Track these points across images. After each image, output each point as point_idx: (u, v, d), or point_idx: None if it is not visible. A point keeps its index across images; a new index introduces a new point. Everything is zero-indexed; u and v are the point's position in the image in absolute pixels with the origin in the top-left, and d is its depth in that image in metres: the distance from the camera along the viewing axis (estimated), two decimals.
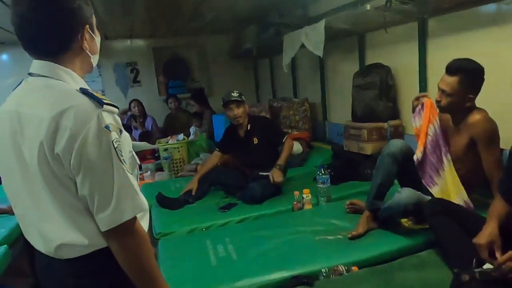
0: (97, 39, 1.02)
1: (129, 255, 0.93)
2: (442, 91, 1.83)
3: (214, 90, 5.62)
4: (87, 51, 0.97)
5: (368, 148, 2.85)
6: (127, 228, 0.91)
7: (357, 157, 2.95)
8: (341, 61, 3.64)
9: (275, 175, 2.65)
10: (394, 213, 1.90)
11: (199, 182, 2.82)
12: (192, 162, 3.77)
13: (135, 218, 0.93)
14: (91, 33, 0.98)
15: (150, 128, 4.76)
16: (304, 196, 2.45)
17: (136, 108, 4.71)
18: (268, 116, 3.83)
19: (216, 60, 5.70)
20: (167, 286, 1.00)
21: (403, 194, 1.84)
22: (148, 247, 0.96)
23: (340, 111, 3.68)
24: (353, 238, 1.91)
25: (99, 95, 0.90)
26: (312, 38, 3.09)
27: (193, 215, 2.47)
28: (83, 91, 0.89)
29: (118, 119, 0.95)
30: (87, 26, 0.96)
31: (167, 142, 3.95)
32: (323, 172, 2.49)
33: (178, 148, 3.84)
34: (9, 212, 2.93)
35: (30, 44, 0.93)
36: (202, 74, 5.81)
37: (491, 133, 1.73)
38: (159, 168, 3.90)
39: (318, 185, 2.50)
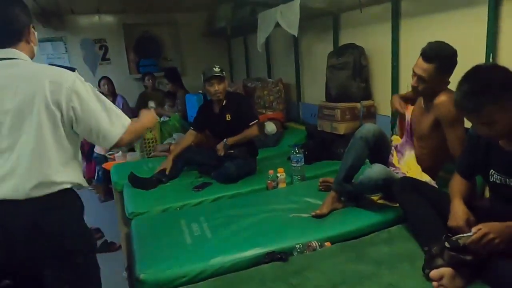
0: (36, 33, 1.38)
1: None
2: (418, 76, 1.84)
3: (187, 70, 5.52)
4: (31, 44, 1.35)
5: (341, 128, 2.90)
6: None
7: (331, 137, 2.99)
8: (315, 41, 3.64)
9: (218, 147, 2.70)
10: (365, 188, 1.95)
11: (173, 162, 2.78)
12: (164, 142, 3.70)
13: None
14: (33, 30, 1.36)
15: (120, 107, 4.62)
16: (279, 175, 2.47)
17: (105, 86, 4.56)
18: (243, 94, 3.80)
19: (189, 39, 5.58)
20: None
21: (374, 169, 1.88)
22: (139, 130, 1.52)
23: (314, 92, 3.70)
24: (316, 217, 1.94)
25: None
26: (287, 17, 3.06)
27: (167, 195, 2.44)
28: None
29: None
30: (31, 26, 1.35)
31: None
32: (297, 151, 2.51)
33: (150, 128, 3.76)
34: None
35: None
36: (175, 52, 5.68)
37: (455, 114, 1.76)
38: (131, 149, 3.79)
39: (292, 164, 2.53)
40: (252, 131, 2.75)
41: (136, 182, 2.59)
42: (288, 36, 3.26)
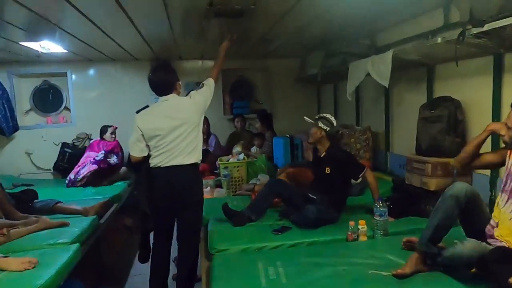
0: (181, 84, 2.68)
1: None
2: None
3: (277, 113, 5.74)
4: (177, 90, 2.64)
5: (432, 184, 2.74)
6: None
7: (419, 192, 2.84)
8: (407, 91, 3.57)
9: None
10: (455, 264, 1.80)
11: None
12: (250, 182, 3.86)
13: None
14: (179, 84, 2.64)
15: (213, 145, 4.96)
16: (360, 227, 2.41)
17: (205, 126, 4.94)
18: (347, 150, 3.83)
19: (280, 83, 5.84)
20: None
21: (467, 245, 1.73)
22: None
23: (404, 143, 3.58)
24: (397, 276, 1.84)
25: None
26: (379, 68, 3.09)
27: (248, 235, 2.54)
28: None
29: None
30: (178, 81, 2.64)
31: (228, 161, 4.09)
32: (381, 205, 2.44)
33: (238, 167, 3.97)
34: (83, 213, 3.23)
35: (159, 91, 2.64)
36: (266, 96, 5.97)
37: None
38: (218, 185, 4.04)
39: (375, 218, 2.45)
40: (372, 180, 2.83)
41: (229, 213, 2.76)
42: (379, 85, 3.25)
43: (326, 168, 2.85)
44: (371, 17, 3.25)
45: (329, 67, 4.36)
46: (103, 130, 4.82)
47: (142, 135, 2.54)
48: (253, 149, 4.74)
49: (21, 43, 3.77)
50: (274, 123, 5.09)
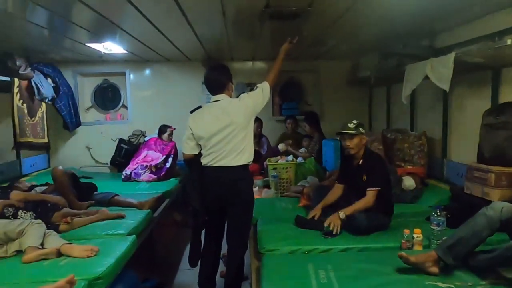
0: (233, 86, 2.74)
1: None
2: None
3: (326, 115, 5.67)
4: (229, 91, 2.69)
5: (495, 194, 2.58)
6: None
7: (480, 203, 2.67)
8: (468, 96, 3.38)
9: (334, 223, 2.54)
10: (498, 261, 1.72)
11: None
12: (298, 184, 3.84)
13: None
14: (231, 85, 2.71)
15: (265, 148, 5.00)
16: (415, 236, 2.32)
17: (258, 129, 5.00)
18: (380, 151, 3.70)
19: (330, 85, 5.76)
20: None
21: None
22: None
23: (463, 150, 3.40)
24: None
25: None
26: (438, 70, 2.95)
27: (297, 237, 2.52)
28: None
29: None
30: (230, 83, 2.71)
31: (277, 162, 4.10)
32: (438, 214, 2.34)
33: (286, 168, 3.97)
34: (138, 206, 3.38)
35: (211, 89, 2.71)
36: (316, 98, 5.91)
37: None
38: (266, 186, 4.06)
39: (432, 227, 2.35)
40: (368, 200, 2.64)
41: (302, 223, 2.72)
42: (437, 89, 3.11)
43: (363, 176, 2.74)
44: (431, 18, 3.11)
45: (383, 69, 4.24)
46: (162, 130, 5.01)
47: (192, 134, 2.64)
48: (302, 150, 4.72)
49: (86, 44, 4.02)
50: (323, 125, 5.03)
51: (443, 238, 1.96)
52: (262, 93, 2.71)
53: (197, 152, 2.69)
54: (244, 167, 2.61)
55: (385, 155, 3.66)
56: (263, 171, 4.60)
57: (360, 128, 2.73)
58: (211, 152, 2.59)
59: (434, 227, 2.33)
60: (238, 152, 2.56)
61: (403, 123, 4.51)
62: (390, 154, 3.84)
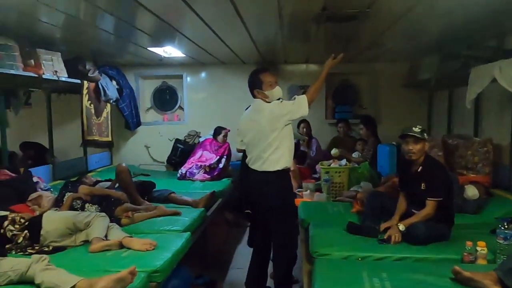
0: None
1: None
2: None
3: (382, 119, 5.49)
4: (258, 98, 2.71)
5: None
6: None
7: None
8: None
9: (395, 236, 2.45)
10: None
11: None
12: (351, 189, 3.76)
13: None
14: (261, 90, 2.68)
15: (314, 149, 4.96)
16: (479, 249, 2.18)
17: (304, 129, 4.98)
18: (441, 158, 3.51)
19: (387, 88, 5.58)
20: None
21: None
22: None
23: None
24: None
25: None
26: (508, 73, 2.76)
27: (351, 242, 2.48)
28: None
29: None
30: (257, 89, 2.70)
31: (329, 165, 4.05)
32: (506, 226, 2.18)
33: (339, 172, 3.91)
34: (192, 204, 3.50)
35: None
36: (371, 101, 5.76)
37: None
38: (318, 189, 4.02)
39: (498, 240, 2.19)
40: (428, 211, 2.52)
41: (354, 229, 2.66)
42: (504, 93, 2.91)
43: (422, 184, 2.60)
44: (500, 17, 2.92)
45: (445, 71, 4.03)
46: (218, 131, 5.14)
47: (238, 129, 2.87)
48: (355, 155, 4.62)
49: (148, 48, 4.23)
50: (378, 129, 4.89)
51: (503, 259, 1.81)
52: (293, 104, 2.61)
53: (244, 148, 2.82)
54: (274, 173, 2.60)
55: (445, 162, 3.47)
56: (315, 174, 4.56)
57: (424, 134, 2.62)
58: (248, 152, 2.76)
59: (501, 241, 2.18)
60: (263, 160, 2.61)
61: (466, 128, 4.25)
62: (451, 161, 3.64)
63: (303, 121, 5.07)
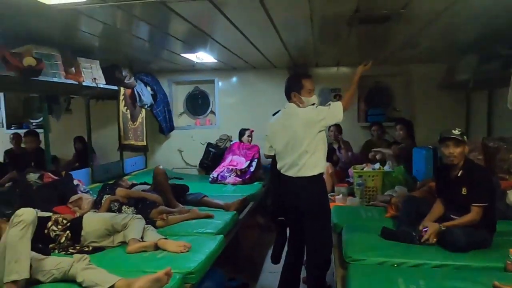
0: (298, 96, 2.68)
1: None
2: None
3: (416, 121, 5.34)
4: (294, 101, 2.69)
5: None
6: None
7: None
8: None
9: (431, 232, 2.41)
10: None
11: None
12: (385, 193, 3.68)
13: None
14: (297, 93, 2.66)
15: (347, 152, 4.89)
16: None
17: (332, 132, 4.93)
18: (480, 161, 3.38)
19: (421, 90, 5.42)
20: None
21: None
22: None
23: None
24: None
25: None
26: None
27: (386, 247, 2.42)
28: None
29: None
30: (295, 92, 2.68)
31: (362, 169, 3.98)
32: None
33: (373, 176, 3.83)
34: (224, 208, 3.54)
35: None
36: (405, 103, 5.62)
37: None
38: (351, 193, 3.96)
39: None
40: (473, 217, 2.43)
41: (389, 234, 2.60)
42: None
43: (463, 189, 2.50)
44: None
45: (485, 72, 3.87)
46: (241, 133, 5.21)
47: (267, 136, 2.84)
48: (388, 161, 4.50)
49: (181, 54, 4.33)
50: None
51: None
52: (328, 110, 2.62)
53: (273, 154, 2.82)
54: (311, 178, 2.60)
55: (486, 166, 3.34)
56: (347, 178, 4.49)
57: (464, 136, 2.53)
58: (279, 159, 2.74)
59: None
60: (299, 166, 2.60)
61: (508, 131, 4.06)
62: (492, 165, 3.49)
63: (333, 125, 5.02)
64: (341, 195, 3.90)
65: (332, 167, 4.40)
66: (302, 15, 2.84)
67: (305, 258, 2.89)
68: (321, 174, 2.66)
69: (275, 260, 3.01)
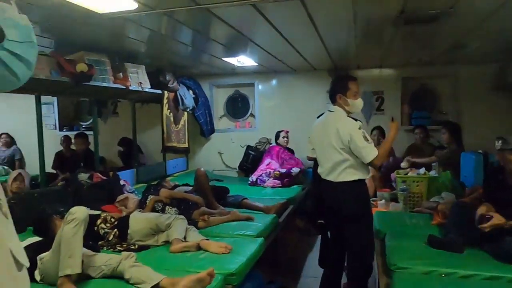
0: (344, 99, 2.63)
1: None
2: None
3: (464, 125, 5.08)
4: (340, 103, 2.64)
5: None
6: None
7: None
8: None
9: (492, 225, 2.29)
10: None
11: None
12: (431, 199, 3.54)
13: None
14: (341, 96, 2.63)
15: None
16: None
17: (376, 136, 4.81)
18: None
19: (471, 92, 5.16)
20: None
21: None
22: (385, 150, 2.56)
23: None
24: None
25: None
26: None
27: (434, 256, 2.32)
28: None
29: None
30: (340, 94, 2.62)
31: (406, 174, 3.85)
32: None
33: (417, 182, 3.69)
34: (264, 210, 3.55)
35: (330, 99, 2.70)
36: (451, 106, 5.37)
37: None
38: (394, 199, 3.84)
39: None
40: None
41: (436, 242, 2.51)
42: None
43: None
44: None
45: None
46: (277, 135, 5.23)
47: (309, 137, 2.82)
48: (434, 164, 4.32)
49: (223, 58, 4.41)
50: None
51: None
52: (363, 147, 2.44)
53: (315, 156, 2.81)
54: (350, 183, 2.55)
55: None
56: (390, 183, 4.36)
57: None
58: (319, 163, 2.72)
59: None
60: (338, 172, 2.56)
61: None
62: None
63: (376, 128, 4.90)
64: (383, 200, 3.79)
65: (374, 172, 4.29)
66: (346, 17, 2.80)
67: (346, 264, 2.84)
68: (362, 180, 2.59)
69: (321, 263, 3.00)
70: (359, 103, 2.63)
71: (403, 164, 4.12)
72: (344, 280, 2.91)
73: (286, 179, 4.80)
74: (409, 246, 2.49)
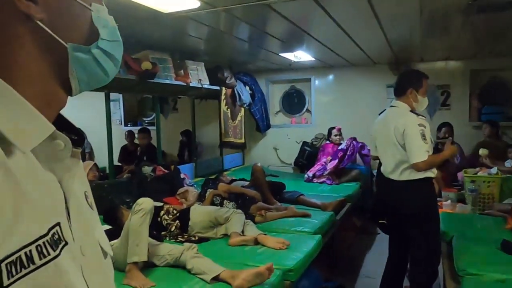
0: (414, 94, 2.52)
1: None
2: None
3: None
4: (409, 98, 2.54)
5: None
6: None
7: None
8: None
9: None
10: None
11: None
12: (504, 202, 3.27)
13: None
14: (412, 91, 2.52)
15: (457, 155, 4.46)
16: None
17: (444, 133, 4.54)
18: None
19: None
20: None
21: None
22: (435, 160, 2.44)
23: None
24: None
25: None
26: None
27: (508, 263, 2.14)
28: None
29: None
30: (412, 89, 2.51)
31: (476, 174, 3.60)
32: None
33: (488, 182, 3.43)
34: (321, 207, 3.50)
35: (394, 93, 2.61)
36: None
37: None
38: (461, 200, 3.61)
39: None
40: None
41: (511, 249, 2.32)
42: None
43: None
44: None
45: None
46: (329, 132, 5.11)
47: (371, 135, 2.78)
48: (508, 163, 4.00)
49: (279, 54, 4.40)
50: None
51: None
52: (417, 146, 2.33)
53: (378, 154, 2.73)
54: (413, 182, 2.43)
55: None
56: (456, 183, 4.10)
57: None
58: (381, 161, 2.64)
59: None
60: (400, 170, 2.45)
61: None
62: None
63: (445, 125, 4.61)
64: (449, 201, 3.57)
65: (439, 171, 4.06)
66: (411, 8, 2.67)
67: (408, 267, 2.72)
68: (427, 178, 2.46)
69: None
70: (425, 102, 2.56)
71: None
72: (405, 283, 2.79)
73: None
74: (479, 251, 2.33)
